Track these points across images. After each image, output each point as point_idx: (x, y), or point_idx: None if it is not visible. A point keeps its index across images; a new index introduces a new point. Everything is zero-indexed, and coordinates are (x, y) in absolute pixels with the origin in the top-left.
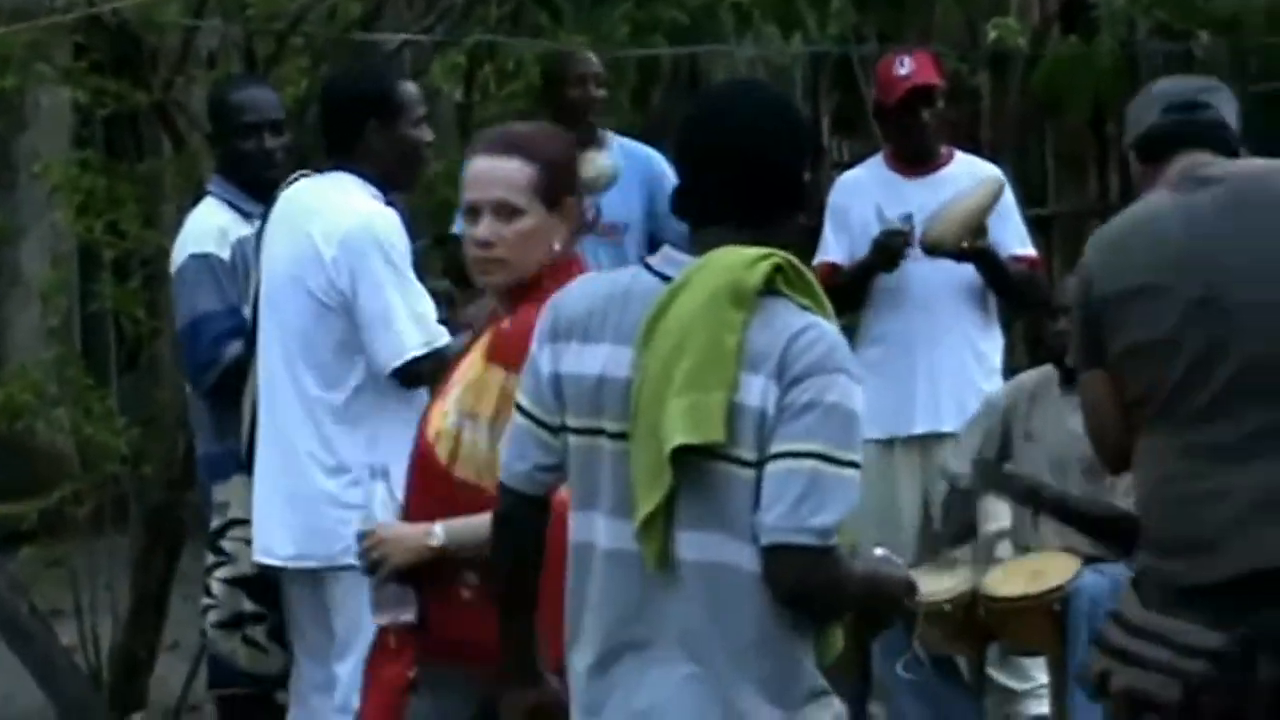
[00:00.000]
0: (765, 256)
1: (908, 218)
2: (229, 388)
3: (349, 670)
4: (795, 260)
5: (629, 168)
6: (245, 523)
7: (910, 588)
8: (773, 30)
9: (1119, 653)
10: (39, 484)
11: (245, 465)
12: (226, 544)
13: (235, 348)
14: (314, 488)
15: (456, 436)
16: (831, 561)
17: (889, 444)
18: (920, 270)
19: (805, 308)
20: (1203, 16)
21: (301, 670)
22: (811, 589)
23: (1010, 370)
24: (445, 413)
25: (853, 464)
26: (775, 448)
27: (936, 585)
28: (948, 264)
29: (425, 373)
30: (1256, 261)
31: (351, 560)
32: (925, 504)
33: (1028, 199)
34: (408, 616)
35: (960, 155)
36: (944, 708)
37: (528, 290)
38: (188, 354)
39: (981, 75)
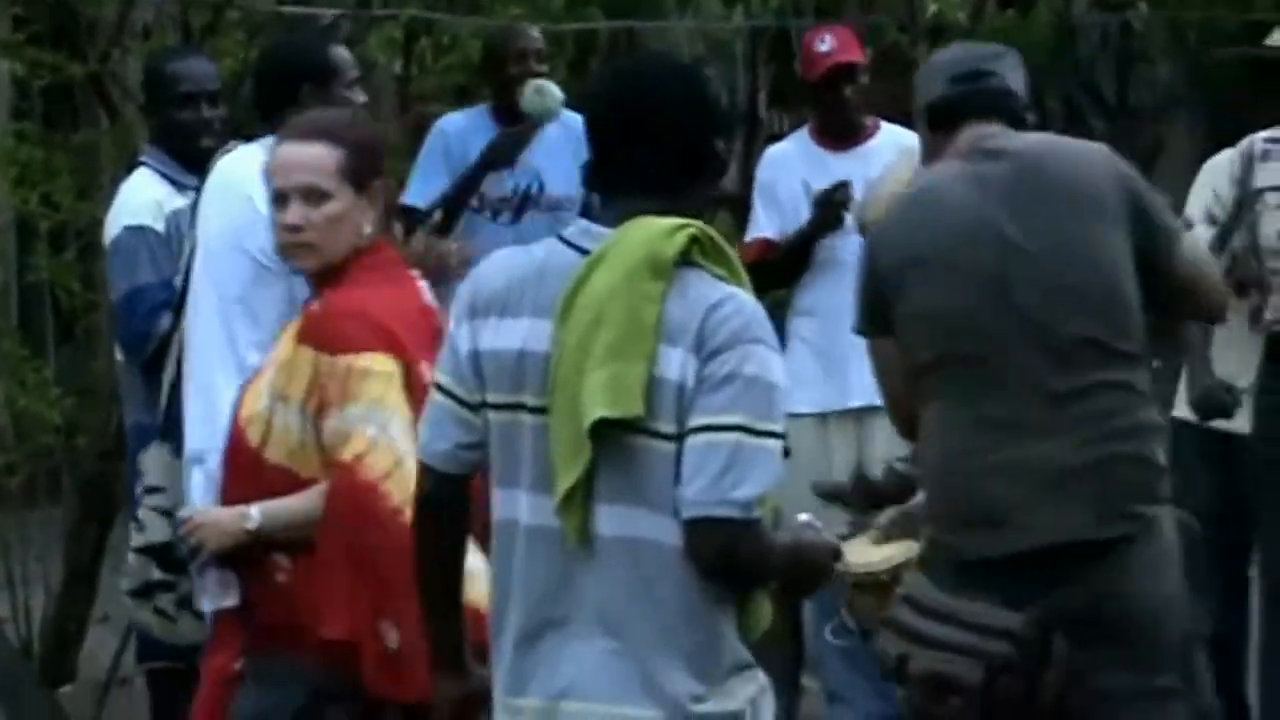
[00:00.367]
0: (681, 227)
1: (843, 185)
2: (164, 359)
3: None
4: (712, 231)
5: (569, 141)
6: (160, 490)
7: (835, 554)
8: (713, 3)
9: (916, 636)
10: None
11: (162, 434)
12: (141, 512)
13: (170, 320)
14: None
15: (268, 420)
16: (755, 534)
17: (823, 418)
18: (851, 243)
19: (722, 279)
20: None
21: None
22: (735, 562)
23: None
24: (259, 394)
25: (774, 435)
26: (695, 421)
27: (870, 556)
28: None
29: None
30: (1043, 238)
31: None
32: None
33: None
34: (231, 601)
35: (885, 126)
36: (875, 675)
37: (337, 273)
38: (123, 326)
39: (921, 47)
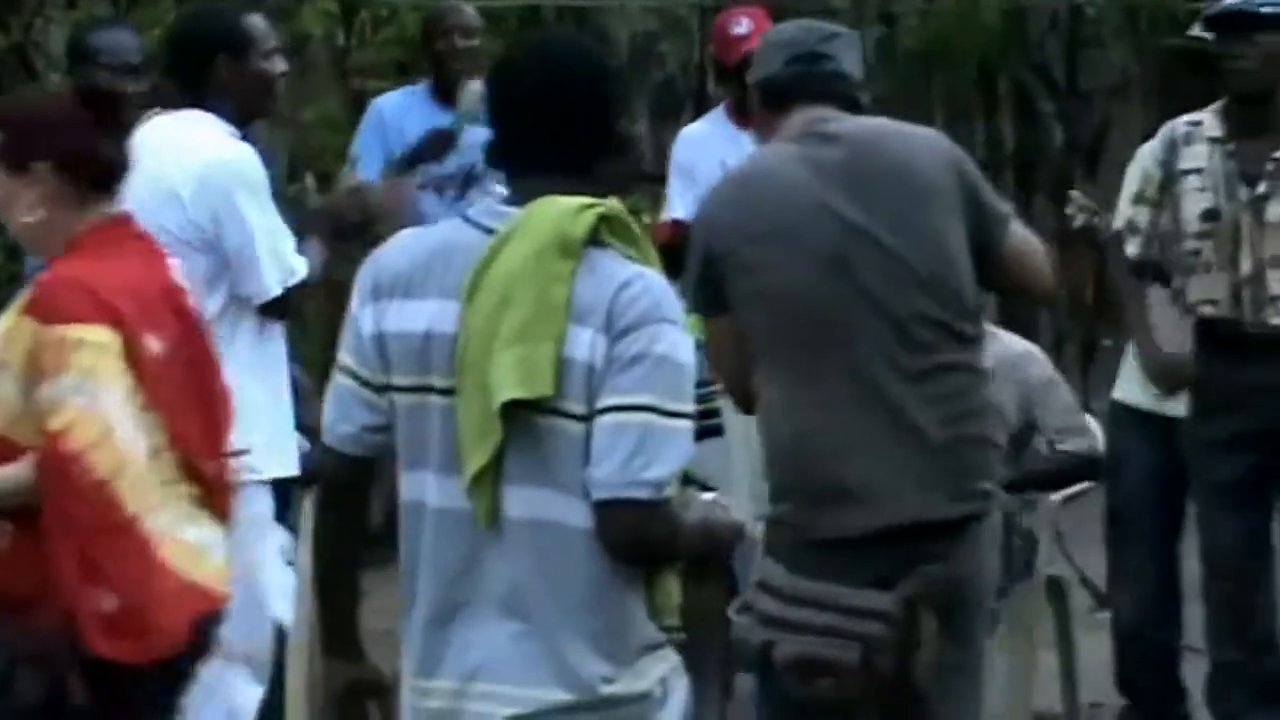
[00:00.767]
0: (589, 206)
1: None
2: None
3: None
4: (620, 210)
5: None
6: None
7: (740, 533)
8: None
9: (781, 622)
10: None
11: None
12: None
13: None
14: None
15: None
16: (665, 515)
17: None
18: None
19: (631, 258)
20: None
21: None
22: (645, 543)
23: None
24: None
25: (684, 415)
26: (604, 401)
27: None
28: None
29: (292, 305)
30: (880, 221)
31: None
32: None
33: None
34: None
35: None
36: None
37: (70, 247)
38: None
39: (871, 30)
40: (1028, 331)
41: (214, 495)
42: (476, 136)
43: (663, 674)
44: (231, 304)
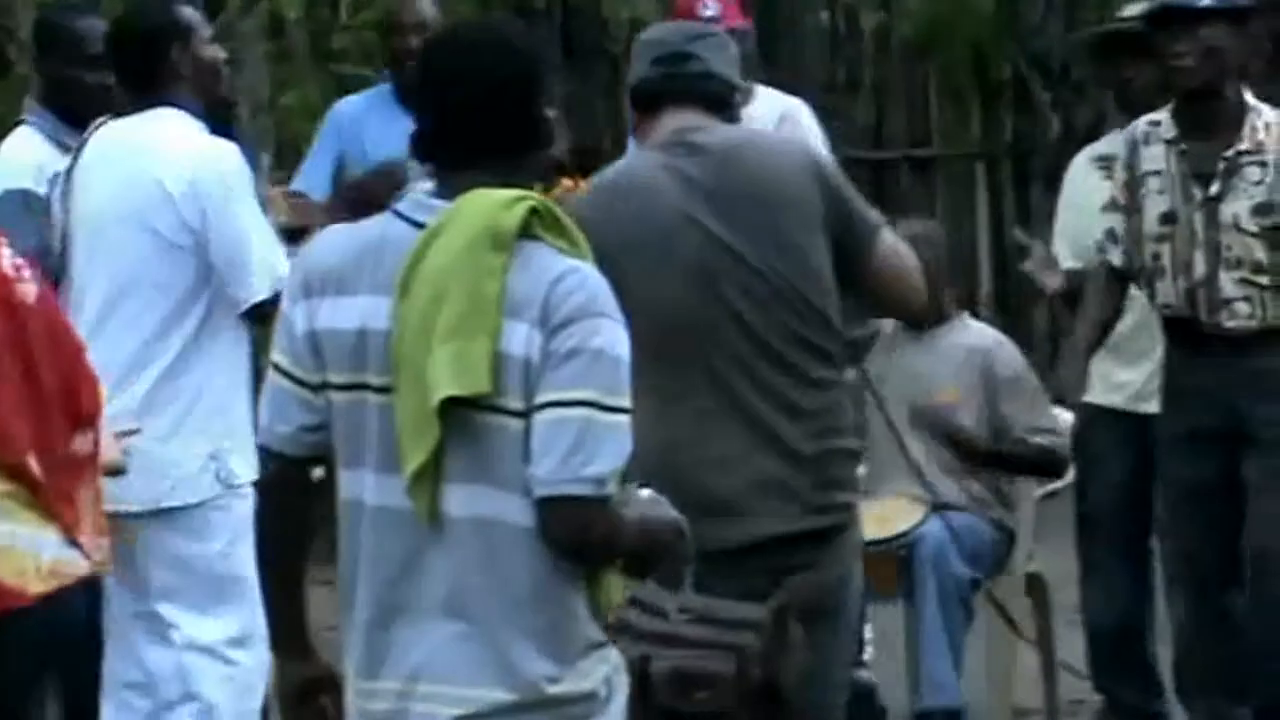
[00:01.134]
0: (520, 199)
1: None
2: None
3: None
4: (550, 203)
5: None
6: None
7: (679, 531)
8: None
9: (658, 636)
10: None
11: None
12: None
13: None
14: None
15: None
16: (607, 512)
17: None
18: None
19: (563, 251)
20: None
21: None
22: (588, 540)
23: None
24: None
25: (623, 410)
26: (542, 397)
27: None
28: None
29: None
30: (745, 236)
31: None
32: None
33: (912, 141)
34: None
35: (762, 91)
36: None
37: None
38: None
39: (869, 18)
40: (1022, 324)
41: (40, 491)
42: None
43: (606, 674)
44: (215, 308)
